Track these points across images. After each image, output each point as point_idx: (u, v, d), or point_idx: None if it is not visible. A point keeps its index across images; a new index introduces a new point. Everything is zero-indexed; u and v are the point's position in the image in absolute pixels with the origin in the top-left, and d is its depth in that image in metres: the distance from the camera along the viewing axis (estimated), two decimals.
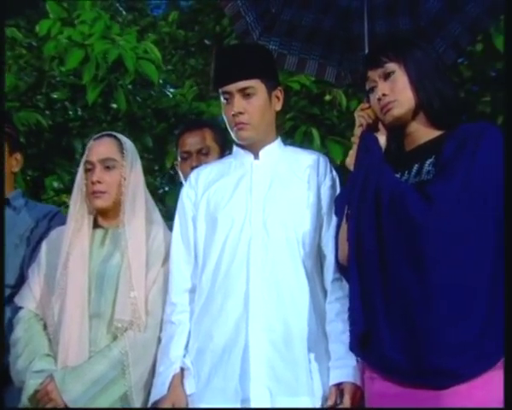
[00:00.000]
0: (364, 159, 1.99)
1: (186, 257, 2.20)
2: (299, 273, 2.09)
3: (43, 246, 2.29)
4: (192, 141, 2.71)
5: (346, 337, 1.97)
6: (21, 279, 2.37)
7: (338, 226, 2.06)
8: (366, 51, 2.48)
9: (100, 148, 2.28)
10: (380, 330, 1.79)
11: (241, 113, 2.14)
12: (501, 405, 1.65)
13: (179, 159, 2.77)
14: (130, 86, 4.25)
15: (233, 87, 2.15)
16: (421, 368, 1.72)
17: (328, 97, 4.03)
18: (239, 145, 2.26)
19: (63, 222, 2.55)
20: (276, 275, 2.06)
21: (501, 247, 1.74)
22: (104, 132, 2.41)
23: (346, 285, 2.05)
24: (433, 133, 1.97)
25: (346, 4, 2.78)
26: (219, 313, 2.06)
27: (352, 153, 2.05)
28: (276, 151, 2.24)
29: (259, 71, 2.19)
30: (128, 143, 2.33)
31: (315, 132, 3.61)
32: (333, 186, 2.19)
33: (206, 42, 7.70)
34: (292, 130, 3.73)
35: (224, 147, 2.75)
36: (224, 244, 2.12)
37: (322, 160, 2.24)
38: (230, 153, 2.72)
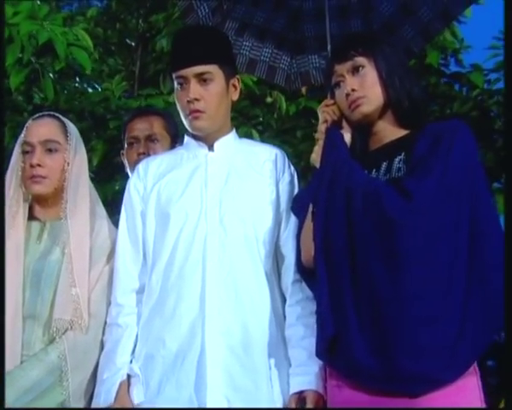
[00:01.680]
0: (331, 155, 1.91)
1: (133, 255, 2.02)
2: (259, 274, 1.96)
3: None
4: (141, 126, 2.55)
5: (307, 343, 1.87)
6: None
7: (300, 225, 1.95)
8: (329, 48, 2.39)
9: (41, 128, 2.07)
10: (349, 334, 1.69)
11: (196, 99, 1.99)
12: None
13: (125, 145, 2.59)
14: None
15: (189, 71, 2.00)
16: (393, 373, 1.63)
17: (269, 100, 3.94)
18: (191, 136, 2.11)
19: None
20: (234, 275, 1.92)
21: (473, 246, 1.70)
22: (45, 112, 2.19)
23: (305, 287, 1.95)
24: (400, 132, 1.92)
25: (298, 4, 2.71)
26: (172, 315, 1.90)
27: (318, 149, 1.95)
28: (231, 143, 2.11)
29: (218, 56, 2.06)
30: (71, 126, 2.14)
31: (255, 134, 3.51)
32: (291, 182, 2.08)
33: (128, 41, 7.46)
34: None
35: (175, 138, 2.60)
36: (176, 241, 1.95)
37: (280, 154, 2.12)
38: (181, 145, 2.59)
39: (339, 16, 2.69)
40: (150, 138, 2.54)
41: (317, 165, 1.93)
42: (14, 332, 1.86)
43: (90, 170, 2.90)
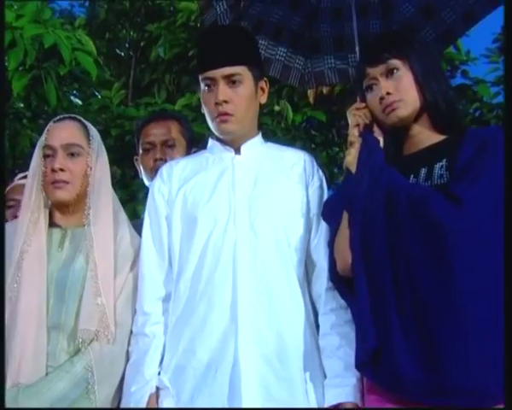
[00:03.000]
0: (369, 160, 1.85)
1: (159, 261, 1.94)
2: (291, 280, 1.89)
3: None
4: (157, 132, 2.47)
5: (343, 353, 1.81)
6: None
7: (333, 232, 1.89)
8: (357, 49, 2.34)
9: (63, 131, 1.98)
10: (393, 346, 1.62)
11: (225, 101, 1.92)
12: None
13: (140, 151, 2.51)
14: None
15: (218, 73, 1.93)
16: (444, 387, 1.56)
17: (277, 108, 3.88)
18: (217, 139, 2.04)
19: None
20: (266, 282, 1.84)
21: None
22: (66, 115, 2.11)
23: (338, 296, 1.88)
24: (436, 137, 1.86)
25: (316, 3, 2.67)
26: (202, 324, 1.82)
27: (354, 152, 1.89)
28: (258, 147, 2.05)
29: (247, 57, 2.00)
30: (93, 129, 2.06)
31: None
32: (321, 186, 2.02)
33: (118, 51, 7.39)
34: None
35: (191, 143, 2.54)
36: (205, 247, 1.88)
37: (309, 158, 2.06)
38: (197, 150, 2.52)
39: (358, 16, 2.65)
40: (167, 144, 2.46)
41: (353, 169, 1.87)
42: (39, 343, 1.77)
43: None
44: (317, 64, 2.77)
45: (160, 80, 5.87)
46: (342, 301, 1.87)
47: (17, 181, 2.68)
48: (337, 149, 5.15)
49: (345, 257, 1.79)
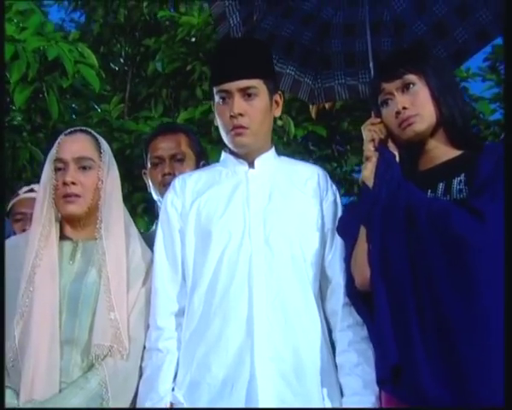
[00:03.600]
0: (386, 174, 1.85)
1: (172, 275, 1.92)
2: (308, 296, 1.87)
3: None
4: (165, 145, 2.43)
5: (361, 370, 1.79)
6: None
7: (349, 247, 1.87)
8: (371, 64, 2.34)
9: (74, 144, 1.96)
10: (415, 362, 1.61)
11: (241, 114, 1.92)
12: None
13: (149, 165, 2.47)
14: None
15: (233, 86, 1.92)
16: (469, 404, 1.54)
17: (280, 122, 3.87)
18: (230, 152, 2.03)
19: (9, 231, 2.20)
20: (282, 297, 1.82)
21: None
22: (76, 127, 2.08)
23: (354, 312, 1.86)
24: (452, 152, 1.86)
25: (328, 18, 2.66)
26: (217, 340, 1.79)
27: (371, 166, 1.89)
28: (272, 161, 2.04)
29: (263, 71, 1.99)
30: (105, 143, 2.04)
31: None
32: (335, 201, 2.01)
33: (112, 65, 7.37)
34: None
35: (200, 156, 2.51)
36: (219, 261, 1.86)
37: (322, 173, 2.06)
38: (205, 164, 2.50)
39: (369, 34, 2.66)
40: (175, 157, 2.42)
41: (370, 183, 1.87)
42: (52, 358, 1.74)
43: None
44: (327, 80, 2.77)
45: (157, 94, 5.86)
46: (358, 318, 1.85)
47: (23, 194, 2.65)
48: (335, 164, 5.16)
49: (363, 272, 1.78)
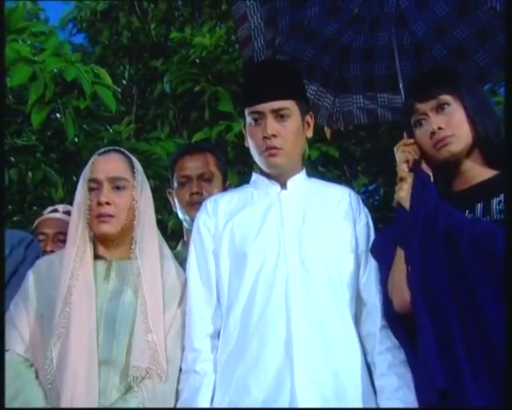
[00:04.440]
0: (423, 195, 1.85)
1: (207, 297, 1.92)
2: (345, 318, 1.86)
3: (30, 277, 1.91)
4: (193, 165, 2.44)
5: (401, 394, 1.78)
6: None
7: (385, 269, 1.87)
8: (401, 85, 2.36)
9: (108, 164, 1.97)
10: (464, 385, 1.59)
11: (274, 136, 1.93)
12: None
13: (175, 185, 2.47)
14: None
15: (266, 107, 1.94)
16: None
17: None
18: (261, 173, 2.04)
19: (38, 251, 2.20)
20: (320, 319, 1.82)
21: None
22: (110, 147, 2.09)
23: (391, 335, 1.86)
24: (488, 172, 1.87)
25: (348, 42, 2.69)
26: (256, 362, 1.78)
27: (407, 187, 1.89)
28: (303, 182, 2.05)
29: (295, 92, 2.01)
30: (137, 162, 2.05)
31: None
32: (368, 224, 2.02)
33: (115, 87, 7.40)
34: None
35: (226, 176, 2.52)
36: (255, 282, 1.86)
37: (354, 195, 2.07)
38: (231, 184, 2.51)
39: (388, 57, 2.68)
40: (203, 177, 2.43)
41: (407, 204, 1.87)
42: (90, 379, 1.72)
43: None
44: (345, 103, 2.80)
45: (164, 115, 5.89)
46: (396, 341, 1.84)
47: (46, 215, 2.65)
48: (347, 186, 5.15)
49: (402, 294, 1.78)
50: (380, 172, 5.82)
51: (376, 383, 1.83)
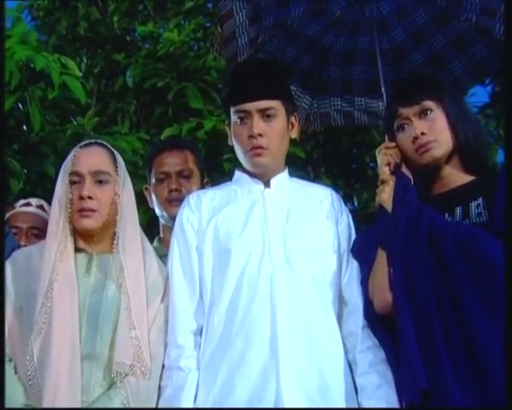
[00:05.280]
0: (405, 198, 1.88)
1: (190, 293, 1.90)
2: (329, 316, 1.88)
3: (8, 269, 1.85)
4: (172, 161, 2.41)
5: (383, 392, 1.80)
6: None
7: (367, 270, 1.90)
8: (383, 89, 2.39)
9: (90, 158, 1.93)
10: (446, 385, 1.62)
11: (260, 135, 1.94)
12: None
13: (153, 181, 2.44)
14: None
15: (253, 106, 1.94)
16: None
17: None
18: (244, 171, 2.04)
19: (14, 243, 2.14)
20: (305, 317, 1.83)
21: None
22: (91, 140, 2.05)
23: (372, 334, 1.88)
24: (465, 177, 1.92)
25: (329, 45, 2.72)
26: (240, 360, 1.78)
27: (389, 190, 1.92)
28: (286, 181, 2.06)
29: (282, 92, 2.03)
30: (119, 156, 2.01)
31: None
32: (349, 224, 2.04)
33: None
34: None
35: (203, 173, 2.50)
36: (240, 279, 1.85)
37: (335, 195, 2.09)
38: (208, 181, 2.49)
39: (367, 61, 2.72)
40: (182, 174, 2.41)
41: (388, 206, 1.90)
42: (73, 374, 1.68)
43: None
44: (323, 105, 2.82)
45: (125, 110, 5.80)
46: (376, 340, 1.86)
47: (19, 208, 2.57)
48: None
49: (384, 295, 1.80)
50: (339, 175, 5.89)
51: (357, 381, 1.85)
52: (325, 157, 5.78)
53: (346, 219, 2.03)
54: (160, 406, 1.79)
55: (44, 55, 3.34)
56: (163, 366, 1.82)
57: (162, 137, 4.03)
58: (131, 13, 6.48)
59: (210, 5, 5.91)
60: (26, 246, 2.29)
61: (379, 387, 1.81)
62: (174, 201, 2.34)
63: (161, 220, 2.46)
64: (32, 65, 3.39)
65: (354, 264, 1.96)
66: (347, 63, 2.75)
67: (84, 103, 3.58)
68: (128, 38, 6.55)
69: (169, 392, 1.79)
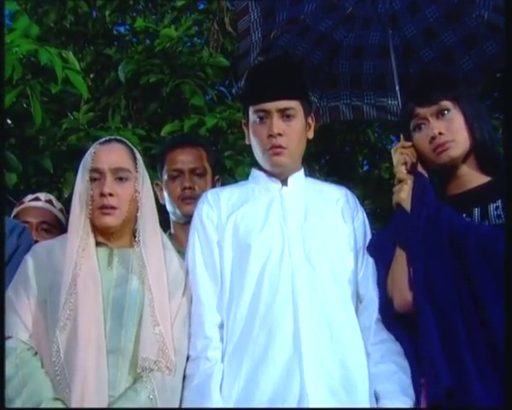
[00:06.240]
0: (423, 197, 1.90)
1: (213, 287, 1.92)
2: (349, 311, 1.90)
3: (30, 262, 1.84)
4: (185, 159, 2.40)
5: (397, 378, 1.83)
6: None
7: (384, 268, 1.91)
8: (397, 88, 2.40)
9: (111, 155, 1.92)
10: (470, 384, 1.64)
11: (280, 134, 1.95)
12: None
13: (165, 177, 2.43)
14: None
15: (273, 106, 1.96)
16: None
17: None
18: (262, 170, 2.05)
19: (31, 239, 2.12)
20: (327, 313, 1.85)
21: None
22: (111, 137, 2.04)
23: (385, 328, 1.90)
24: (482, 177, 1.93)
25: (340, 40, 2.72)
26: (264, 355, 1.79)
27: (407, 189, 1.93)
28: (302, 180, 2.09)
29: (301, 92, 2.05)
30: (138, 153, 2.00)
31: None
32: (364, 222, 2.06)
33: None
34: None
35: (215, 171, 2.50)
36: (261, 276, 1.87)
37: (350, 194, 2.12)
38: (219, 178, 2.48)
39: (377, 56, 2.73)
40: (195, 172, 2.40)
41: (407, 205, 1.91)
42: (100, 370, 1.68)
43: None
44: (332, 99, 2.84)
45: (115, 105, 5.75)
46: (390, 334, 1.89)
47: (27, 203, 2.54)
48: None
49: (404, 295, 1.82)
50: (331, 172, 5.91)
51: (371, 370, 1.85)
52: (317, 155, 5.80)
53: (361, 216, 2.06)
54: (188, 394, 1.78)
55: (47, 49, 3.28)
56: (187, 359, 1.82)
57: (162, 134, 4.00)
58: (122, 8, 6.43)
59: (201, 6, 5.89)
60: (37, 241, 2.27)
61: (393, 373, 1.83)
62: (188, 199, 2.34)
63: (172, 217, 2.46)
64: (32, 59, 3.33)
65: (369, 260, 1.98)
66: (357, 58, 2.76)
67: (86, 97, 3.52)
68: (116, 32, 6.50)
69: (197, 381, 1.79)
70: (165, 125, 4.05)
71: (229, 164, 3.42)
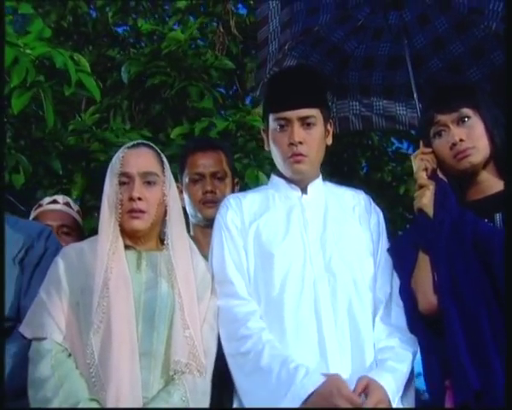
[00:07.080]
0: (445, 203, 1.95)
1: (247, 285, 1.97)
2: (369, 318, 1.96)
3: (61, 265, 1.88)
4: (206, 162, 2.43)
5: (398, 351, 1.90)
6: (19, 310, 1.96)
7: (407, 273, 1.96)
8: (415, 96, 2.47)
9: (140, 159, 1.96)
10: (497, 386, 1.68)
11: (300, 143, 2.00)
12: None
13: (186, 181, 2.46)
14: None
15: (294, 114, 2.01)
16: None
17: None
18: (281, 177, 2.10)
19: (58, 243, 2.17)
20: (349, 322, 1.91)
21: None
22: (139, 141, 2.09)
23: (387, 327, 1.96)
24: (502, 184, 1.97)
25: (350, 51, 2.79)
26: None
27: (430, 194, 1.98)
28: (321, 187, 2.13)
29: (321, 101, 2.09)
30: (164, 156, 2.04)
31: (261, 176, 3.50)
32: (378, 221, 2.12)
33: None
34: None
35: (234, 174, 2.54)
36: (283, 284, 1.93)
37: (367, 198, 2.17)
38: (238, 181, 2.54)
39: (386, 67, 2.81)
40: (216, 175, 2.43)
41: (429, 211, 1.96)
42: (134, 372, 1.72)
43: None
44: (342, 109, 2.91)
45: (117, 106, 5.79)
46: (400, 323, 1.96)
47: (46, 206, 2.58)
48: None
49: (428, 298, 1.87)
50: (332, 174, 5.98)
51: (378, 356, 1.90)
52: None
53: (375, 217, 2.11)
54: (269, 366, 1.82)
55: (61, 52, 3.33)
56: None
57: (172, 136, 4.05)
58: (125, 9, 6.47)
59: (203, 9, 5.94)
60: None
61: (392, 348, 1.89)
62: (209, 202, 2.38)
63: (192, 220, 2.49)
64: (45, 61, 3.38)
65: (388, 265, 2.03)
66: (367, 68, 2.84)
67: (99, 100, 3.57)
68: (119, 33, 6.54)
69: (266, 362, 1.82)
70: (175, 128, 4.10)
71: (239, 167, 3.47)
